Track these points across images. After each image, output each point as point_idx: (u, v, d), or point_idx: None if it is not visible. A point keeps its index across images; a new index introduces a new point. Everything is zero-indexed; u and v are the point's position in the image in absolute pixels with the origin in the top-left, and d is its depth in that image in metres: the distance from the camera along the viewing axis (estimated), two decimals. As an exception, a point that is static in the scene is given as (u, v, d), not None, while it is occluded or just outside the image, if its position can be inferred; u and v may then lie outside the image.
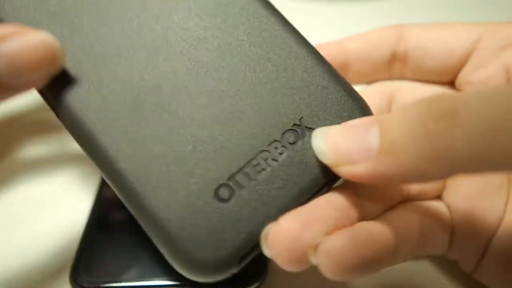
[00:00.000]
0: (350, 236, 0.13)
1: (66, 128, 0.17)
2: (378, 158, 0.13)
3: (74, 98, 0.16)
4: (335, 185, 0.16)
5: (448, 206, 0.18)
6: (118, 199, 0.16)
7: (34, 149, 0.28)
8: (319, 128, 0.16)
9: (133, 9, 0.18)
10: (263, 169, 0.16)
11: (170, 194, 0.15)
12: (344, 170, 0.14)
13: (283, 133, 0.16)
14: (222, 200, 0.15)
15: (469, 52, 0.19)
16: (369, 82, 0.22)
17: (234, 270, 0.15)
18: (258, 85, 0.17)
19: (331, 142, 0.15)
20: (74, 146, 0.28)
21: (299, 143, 0.16)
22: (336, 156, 0.15)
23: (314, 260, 0.13)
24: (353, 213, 0.15)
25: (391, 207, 0.17)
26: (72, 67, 0.17)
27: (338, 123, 0.16)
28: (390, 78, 0.22)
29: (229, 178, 0.15)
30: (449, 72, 0.20)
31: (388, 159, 0.13)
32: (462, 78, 0.20)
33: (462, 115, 0.12)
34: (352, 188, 0.16)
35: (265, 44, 0.18)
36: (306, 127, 0.16)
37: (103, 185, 0.25)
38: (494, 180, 0.18)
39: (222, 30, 0.18)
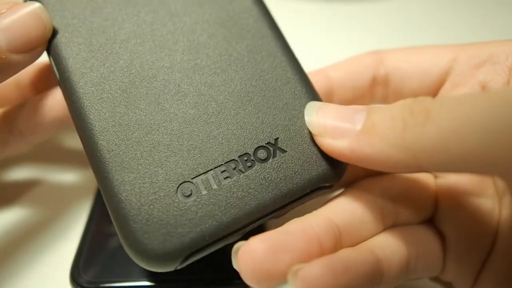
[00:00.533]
0: (327, 265, 0.14)
1: (64, 97, 0.18)
2: (357, 136, 0.15)
3: (77, 71, 0.18)
4: (298, 206, 0.17)
5: (440, 230, 0.18)
6: None
7: (34, 149, 0.28)
8: (314, 101, 0.18)
9: (152, 3, 0.19)
10: (229, 177, 0.16)
11: (136, 178, 0.16)
12: (326, 142, 0.16)
13: (256, 149, 0.17)
14: (183, 196, 0.16)
15: (446, 72, 0.20)
16: None
17: (177, 266, 0.16)
18: (245, 98, 0.18)
19: (322, 114, 0.16)
20: (75, 147, 0.28)
21: (269, 161, 0.17)
22: (322, 128, 0.16)
23: (293, 285, 0.14)
24: (327, 241, 0.15)
25: (378, 233, 0.17)
26: (83, 43, 0.18)
27: (311, 152, 0.17)
28: (373, 102, 0.23)
29: (195, 177, 0.16)
30: (428, 92, 0.21)
31: (365, 139, 0.15)
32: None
33: (435, 112, 0.13)
34: (329, 213, 0.16)
35: (261, 63, 0.19)
36: (279, 148, 0.17)
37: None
38: (486, 202, 0.18)
39: (226, 41, 0.19)
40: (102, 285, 0.20)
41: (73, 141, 0.29)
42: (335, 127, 0.16)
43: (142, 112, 0.17)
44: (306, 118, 0.17)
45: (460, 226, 0.18)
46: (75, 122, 0.17)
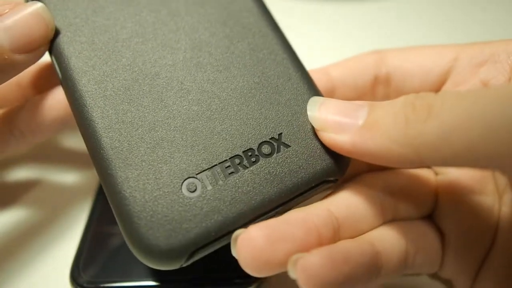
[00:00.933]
0: (327, 255, 0.14)
1: (66, 96, 0.18)
2: (359, 131, 0.15)
3: (79, 69, 0.18)
4: (303, 200, 0.17)
5: (440, 226, 0.19)
6: None
7: (34, 149, 0.28)
8: (316, 96, 0.18)
9: (154, 2, 0.20)
10: (233, 172, 0.16)
11: (140, 174, 0.16)
12: (328, 136, 0.16)
13: (260, 144, 0.17)
14: (187, 192, 0.16)
15: (447, 71, 0.20)
16: None
17: (182, 263, 0.15)
18: (247, 95, 0.18)
19: (324, 109, 0.17)
20: (75, 147, 0.28)
21: (273, 156, 0.17)
22: (325, 122, 0.16)
23: (292, 274, 0.14)
24: (326, 231, 0.16)
25: (377, 227, 0.17)
26: (85, 42, 0.18)
27: (315, 147, 0.17)
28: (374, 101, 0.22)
29: (199, 173, 0.16)
30: (429, 91, 0.21)
31: (367, 134, 0.15)
32: None
33: (437, 108, 0.13)
34: (329, 206, 0.16)
35: (263, 60, 0.19)
36: (283, 143, 0.17)
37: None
38: (486, 199, 0.18)
39: (228, 39, 0.19)
40: (102, 285, 0.20)
41: (73, 141, 0.29)
42: (337, 122, 0.16)
43: (145, 109, 0.17)
44: (309, 113, 0.17)
45: (459, 223, 0.18)
46: (78, 120, 0.17)
